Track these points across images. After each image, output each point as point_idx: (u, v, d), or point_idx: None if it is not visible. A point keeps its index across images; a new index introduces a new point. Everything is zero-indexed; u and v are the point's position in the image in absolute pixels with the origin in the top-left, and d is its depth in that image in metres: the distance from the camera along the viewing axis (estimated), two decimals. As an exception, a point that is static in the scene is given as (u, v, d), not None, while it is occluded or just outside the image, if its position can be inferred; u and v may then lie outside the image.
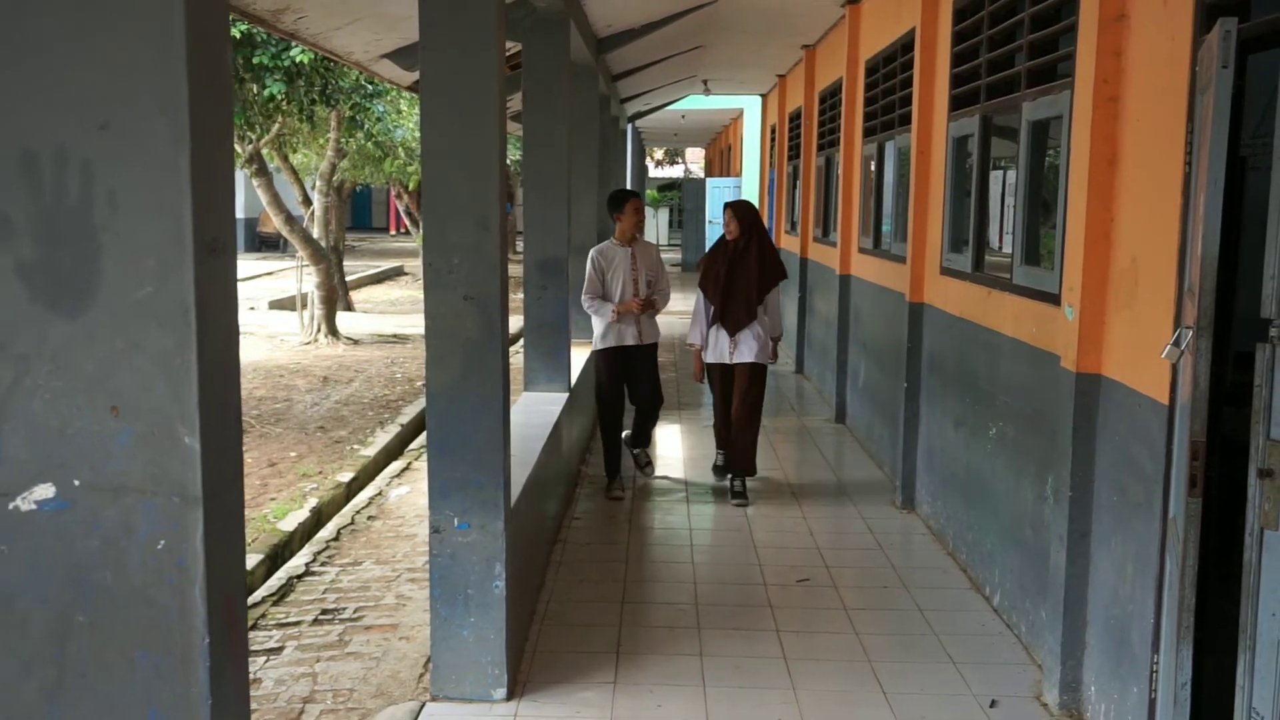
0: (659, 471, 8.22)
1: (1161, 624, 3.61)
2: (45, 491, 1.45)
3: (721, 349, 7.28)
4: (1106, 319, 4.20)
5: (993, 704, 4.47)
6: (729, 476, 7.53)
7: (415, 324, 18.36)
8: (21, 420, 1.45)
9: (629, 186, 22.44)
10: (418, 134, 17.37)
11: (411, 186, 20.29)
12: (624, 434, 7.82)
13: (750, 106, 20.21)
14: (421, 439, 10.16)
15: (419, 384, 13.05)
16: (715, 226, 20.32)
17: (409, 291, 24.64)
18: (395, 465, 9.11)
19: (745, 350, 7.22)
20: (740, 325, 7.21)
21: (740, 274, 7.18)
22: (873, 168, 9.20)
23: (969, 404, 6.01)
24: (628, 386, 7.53)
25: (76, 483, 1.45)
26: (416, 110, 16.75)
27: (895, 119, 8.20)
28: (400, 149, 17.61)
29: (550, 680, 4.63)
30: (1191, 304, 3.13)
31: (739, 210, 7.35)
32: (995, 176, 6.07)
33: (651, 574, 5.99)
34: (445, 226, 4.25)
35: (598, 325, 7.42)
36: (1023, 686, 4.63)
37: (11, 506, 1.46)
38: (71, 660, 1.48)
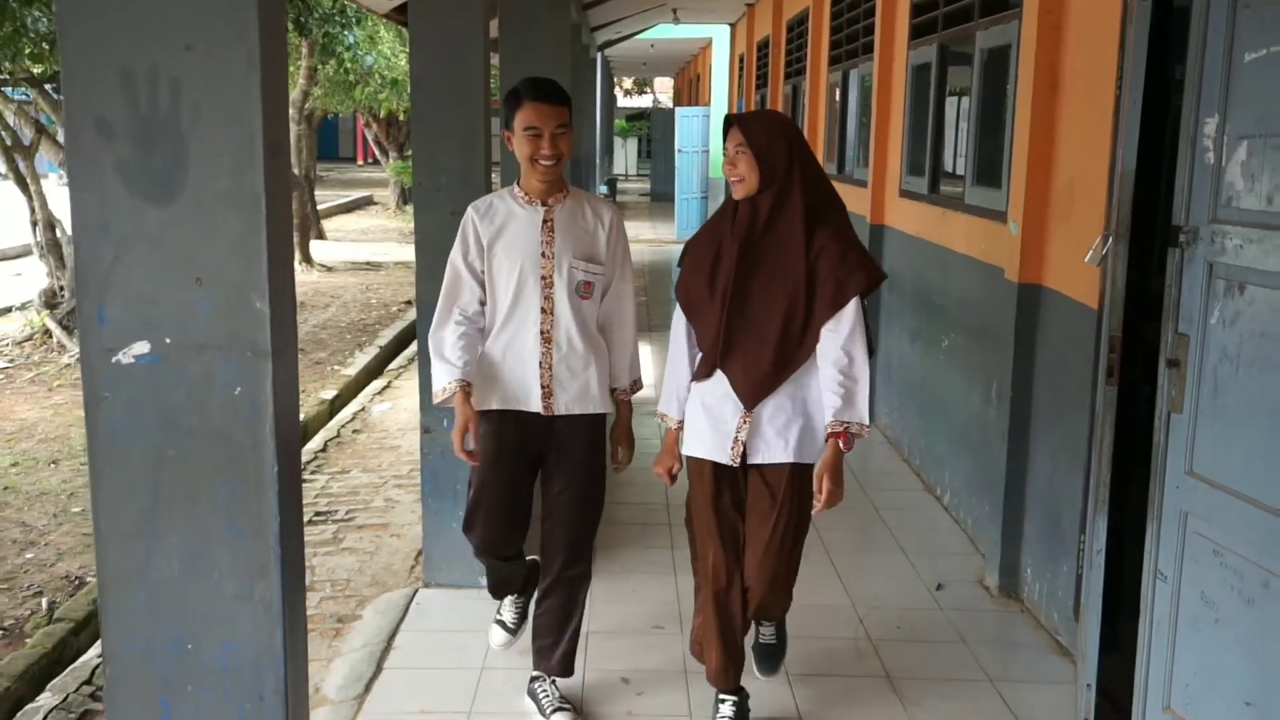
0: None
1: (1087, 505, 4.01)
2: (141, 348, 1.78)
3: (720, 432, 3.45)
4: (1047, 233, 4.56)
5: (939, 587, 4.89)
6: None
7: (387, 252, 18.58)
8: (122, 290, 1.77)
9: (598, 117, 22.42)
10: (389, 61, 17.51)
11: (383, 114, 20.32)
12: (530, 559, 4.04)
13: (719, 35, 20.34)
14: (400, 359, 10.49)
15: (394, 309, 13.34)
16: (685, 155, 20.34)
17: (379, 220, 24.76)
18: (376, 384, 9.43)
19: (769, 438, 3.41)
20: (762, 385, 3.39)
21: (764, 273, 3.37)
22: (837, 96, 9.49)
23: (924, 318, 6.38)
24: (541, 484, 3.74)
25: (168, 341, 1.79)
26: (391, 37, 16.82)
27: (859, 48, 8.49)
28: (373, 76, 17.67)
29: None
30: (1114, 214, 3.49)
31: (756, 132, 3.35)
32: (951, 103, 6.40)
33: (627, 478, 6.37)
34: (433, 149, 4.54)
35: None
36: (967, 572, 5.05)
37: (114, 360, 1.79)
38: (164, 487, 1.83)
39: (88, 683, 4.38)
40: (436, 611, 4.57)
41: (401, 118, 22.07)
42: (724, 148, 3.41)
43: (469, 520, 3.70)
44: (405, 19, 11.72)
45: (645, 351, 9.37)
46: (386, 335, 11.40)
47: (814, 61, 10.19)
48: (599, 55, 20.77)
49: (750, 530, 3.50)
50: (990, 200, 5.34)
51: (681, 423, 3.58)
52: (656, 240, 19.28)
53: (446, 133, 4.52)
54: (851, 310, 3.33)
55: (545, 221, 3.51)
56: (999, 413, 4.84)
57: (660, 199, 26.94)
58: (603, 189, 22.94)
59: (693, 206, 20.17)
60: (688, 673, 4.04)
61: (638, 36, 20.29)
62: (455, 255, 3.52)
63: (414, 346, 10.74)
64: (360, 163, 45.46)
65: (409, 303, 13.57)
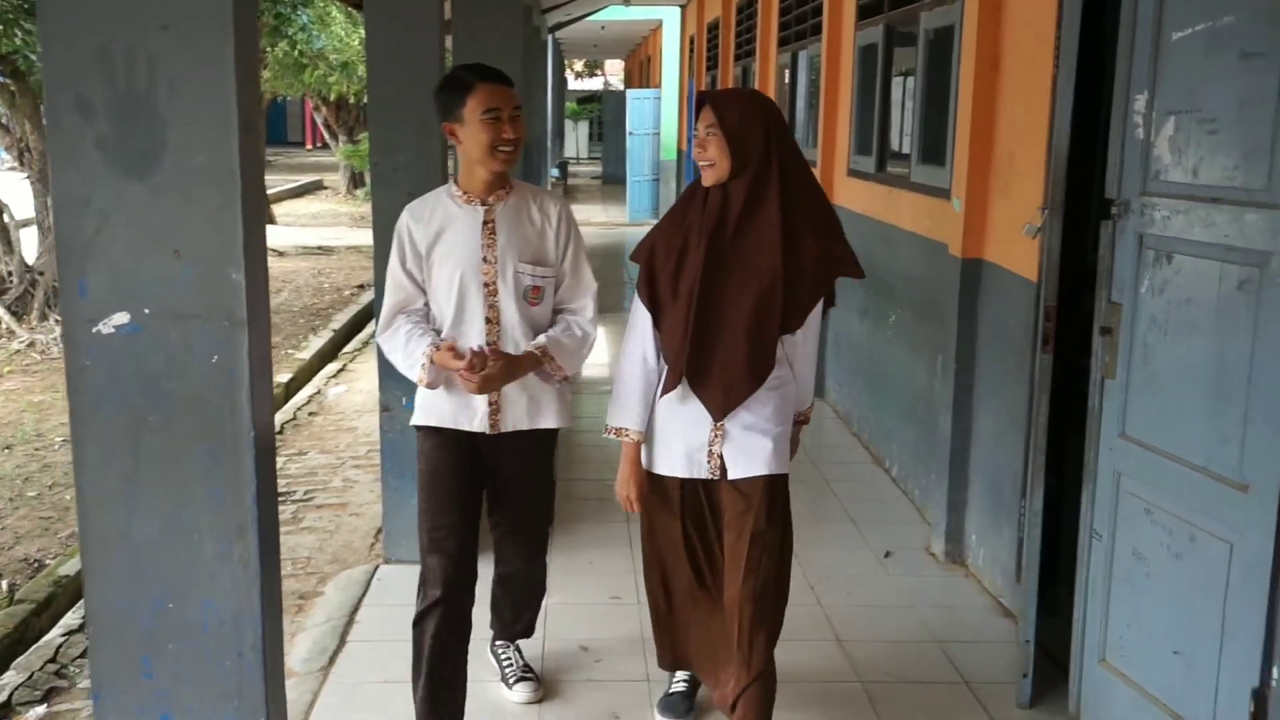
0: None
1: (1028, 470, 4.17)
2: (121, 318, 1.85)
3: (690, 445, 3.19)
4: (988, 209, 4.71)
5: (887, 554, 5.04)
6: None
7: (338, 236, 18.51)
8: (103, 262, 1.85)
9: (550, 100, 22.41)
10: (341, 43, 17.42)
11: (333, 97, 20.19)
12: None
13: (669, 17, 20.41)
14: (355, 342, 10.51)
15: (347, 293, 13.34)
16: (637, 138, 20.38)
17: (329, 205, 24.62)
18: (331, 367, 9.46)
19: (747, 449, 3.15)
20: (736, 393, 3.10)
21: (736, 271, 3.06)
22: (787, 77, 9.61)
23: (872, 295, 6.53)
24: (487, 497, 3.52)
25: (147, 311, 1.86)
26: (343, 19, 16.73)
27: (807, 29, 8.61)
28: (323, 58, 17.57)
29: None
30: (1049, 188, 3.63)
31: (730, 112, 3.04)
32: (897, 83, 6.53)
33: (582, 455, 6.47)
34: (390, 130, 4.60)
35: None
36: (914, 540, 5.20)
37: (95, 330, 1.87)
38: (145, 451, 1.91)
39: (52, 660, 4.43)
40: (398, 586, 4.64)
41: (352, 100, 21.94)
42: (694, 127, 3.10)
43: (433, 545, 3.31)
44: (358, 1, 11.66)
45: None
46: (340, 319, 11.42)
47: (763, 43, 10.30)
48: (550, 37, 20.77)
49: (730, 547, 3.21)
50: (935, 178, 5.48)
51: (641, 434, 3.24)
52: (608, 223, 19.36)
53: (403, 114, 4.58)
54: (817, 312, 3.17)
55: (486, 222, 3.23)
56: (943, 385, 4.99)
57: (612, 182, 27.01)
58: (554, 172, 22.96)
59: (644, 189, 20.26)
60: (644, 641, 4.15)
61: (588, 18, 20.31)
62: (393, 264, 3.26)
63: (369, 329, 10.77)
64: (309, 147, 45.06)
65: (361, 287, 13.57)
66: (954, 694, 3.87)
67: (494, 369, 3.09)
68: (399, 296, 3.27)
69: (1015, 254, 4.41)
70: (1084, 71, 3.72)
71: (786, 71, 9.62)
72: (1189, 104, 3.02)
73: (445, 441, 3.33)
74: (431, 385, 3.21)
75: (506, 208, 3.27)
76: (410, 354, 3.19)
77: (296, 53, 16.53)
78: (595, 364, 8.34)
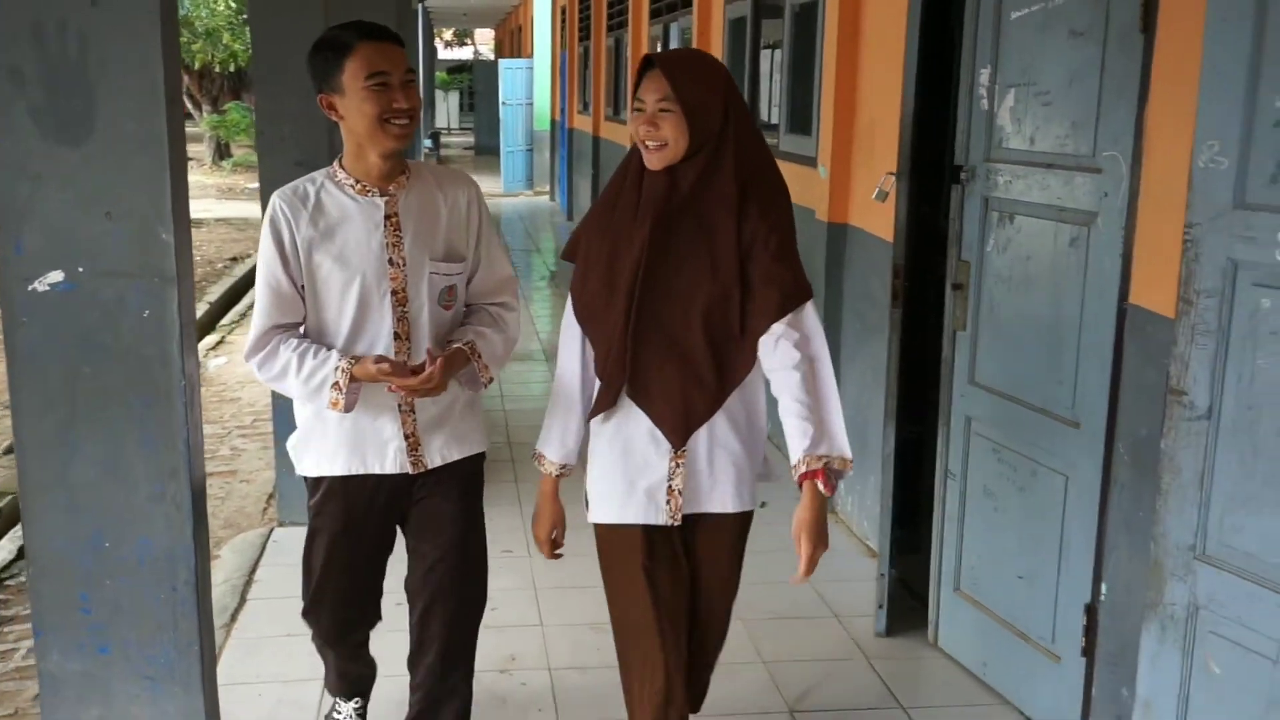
0: None
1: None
2: (56, 276, 1.99)
3: (647, 483, 2.58)
4: (851, 176, 5.01)
5: (763, 504, 5.32)
6: None
7: (206, 209, 18.15)
8: (38, 223, 1.98)
9: (420, 70, 22.25)
10: (210, 10, 17.06)
11: (196, 66, 19.74)
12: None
13: (540, -13, 20.44)
14: (232, 314, 10.45)
15: (220, 265, 13.16)
16: (510, 108, 20.40)
17: (195, 177, 24.00)
18: (210, 339, 9.40)
19: (716, 480, 2.62)
20: (693, 413, 2.53)
21: (684, 267, 2.51)
22: (659, 49, 9.83)
23: (745, 260, 6.80)
24: (407, 541, 2.96)
25: (81, 269, 2.00)
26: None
27: (678, 1, 8.84)
28: (186, 27, 17.18)
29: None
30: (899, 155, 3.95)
31: (688, 82, 2.46)
32: (766, 55, 6.81)
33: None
34: (276, 97, 4.68)
35: (298, 413, 2.80)
36: (789, 491, 5.48)
37: (30, 288, 2.00)
38: (81, 401, 2.05)
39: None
40: (294, 547, 4.66)
41: (217, 69, 21.46)
42: (636, 99, 2.48)
43: (312, 606, 2.96)
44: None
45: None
46: (216, 291, 11.30)
47: (635, 14, 10.51)
48: (420, 6, 20.62)
49: (703, 595, 2.76)
50: (802, 147, 5.77)
51: (564, 468, 2.69)
52: (484, 194, 19.34)
53: (288, 80, 4.65)
54: (811, 311, 2.56)
55: (389, 216, 2.62)
56: (813, 342, 5.29)
57: (485, 152, 26.92)
58: (427, 143, 22.84)
59: (518, 159, 20.31)
60: (536, 589, 4.37)
61: (458, -12, 20.22)
62: (267, 265, 2.55)
63: (246, 300, 10.70)
64: (169, 117, 43.58)
65: (235, 259, 13.41)
66: (825, 627, 4.17)
67: (436, 371, 2.50)
68: (277, 308, 2.56)
69: (875, 218, 4.71)
70: (937, 46, 4.04)
71: (658, 43, 9.85)
72: (1026, 78, 3.33)
73: (349, 492, 2.72)
74: (348, 408, 2.56)
75: (410, 197, 2.66)
76: (310, 376, 2.51)
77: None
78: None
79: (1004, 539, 3.58)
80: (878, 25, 4.75)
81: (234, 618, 4.17)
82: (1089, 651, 3.21)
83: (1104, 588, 3.15)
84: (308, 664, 3.60)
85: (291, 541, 4.78)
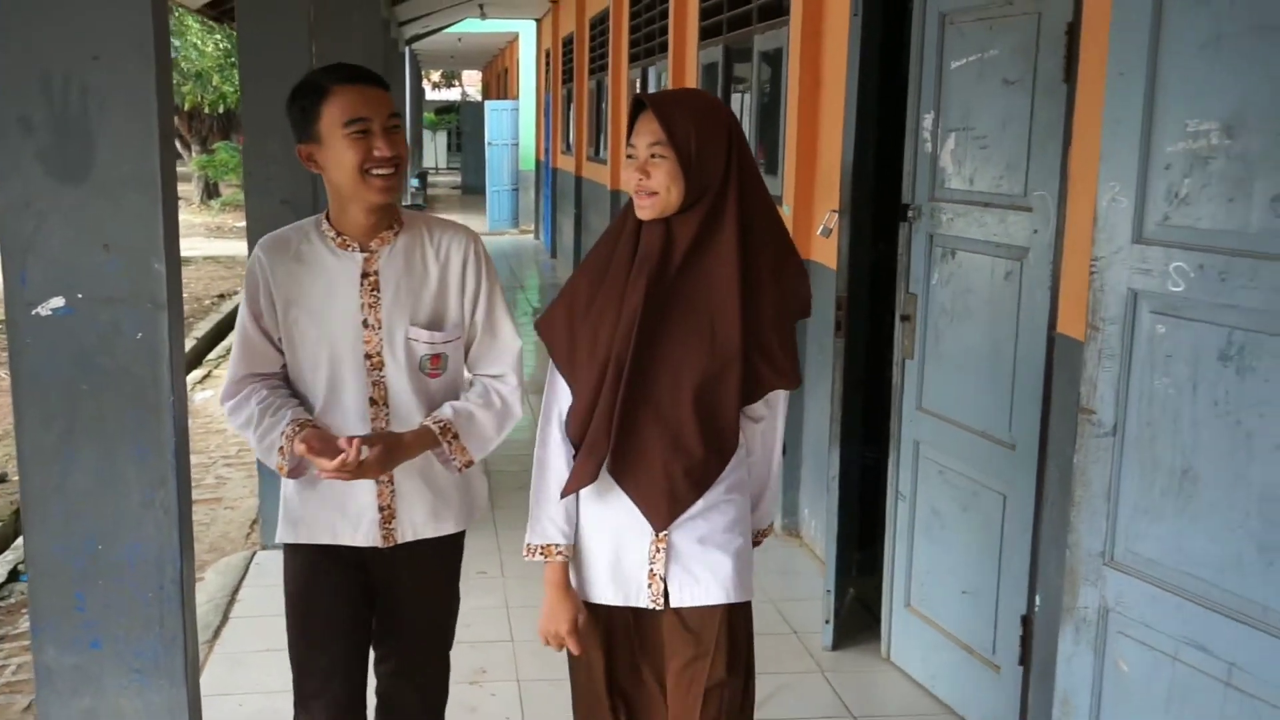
0: None
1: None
2: (57, 302, 2.19)
3: (626, 564, 2.37)
4: (813, 213, 5.25)
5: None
6: None
7: (194, 247, 18.36)
8: (41, 254, 2.19)
9: (408, 111, 22.55)
10: (198, 52, 17.37)
11: (186, 107, 20.02)
12: None
13: (525, 30, 20.80)
14: (219, 349, 10.63)
15: (207, 302, 13.37)
16: (496, 148, 20.71)
17: (184, 216, 24.22)
18: (196, 373, 9.58)
19: (699, 569, 2.35)
20: (678, 497, 2.30)
21: (679, 333, 2.27)
22: (638, 90, 10.11)
23: (717, 295, 7.03)
24: (375, 627, 2.73)
25: (80, 296, 2.21)
26: (199, 28, 16.67)
27: (655, 46, 9.13)
28: (176, 67, 17.46)
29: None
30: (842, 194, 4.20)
31: (683, 125, 2.21)
32: (737, 98, 7.06)
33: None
34: (262, 138, 4.90)
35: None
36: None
37: (34, 313, 2.21)
38: (79, 416, 2.25)
39: None
40: (276, 569, 4.82)
41: (206, 110, 21.74)
42: (629, 144, 2.27)
43: (305, 699, 2.69)
44: (216, 14, 11.73)
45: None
46: (202, 327, 11.49)
47: (615, 58, 10.81)
48: (407, 49, 20.97)
49: (678, 702, 2.40)
50: (771, 186, 6.00)
51: (557, 552, 2.36)
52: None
53: (274, 122, 4.87)
54: (786, 395, 2.44)
55: (366, 275, 2.44)
56: (778, 373, 5.50)
57: (471, 192, 27.23)
58: (414, 182, 23.13)
59: (504, 198, 20.60)
60: (509, 608, 4.56)
61: (445, 30, 20.58)
62: (244, 315, 2.48)
63: (232, 336, 10.89)
64: (158, 156, 43.85)
65: (222, 296, 13.62)
66: (785, 642, 4.37)
67: (372, 456, 2.30)
68: (249, 358, 2.50)
69: (834, 254, 4.94)
70: (891, 92, 4.28)
71: (637, 85, 10.13)
72: (965, 123, 3.57)
73: (321, 558, 2.57)
74: (294, 475, 2.46)
75: (393, 253, 2.46)
76: (264, 435, 2.42)
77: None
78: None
79: (950, 556, 3.78)
80: (836, 71, 5.00)
81: (217, 634, 4.34)
82: (1025, 660, 3.41)
83: (1038, 600, 3.35)
84: (286, 677, 3.75)
85: (274, 563, 4.93)
